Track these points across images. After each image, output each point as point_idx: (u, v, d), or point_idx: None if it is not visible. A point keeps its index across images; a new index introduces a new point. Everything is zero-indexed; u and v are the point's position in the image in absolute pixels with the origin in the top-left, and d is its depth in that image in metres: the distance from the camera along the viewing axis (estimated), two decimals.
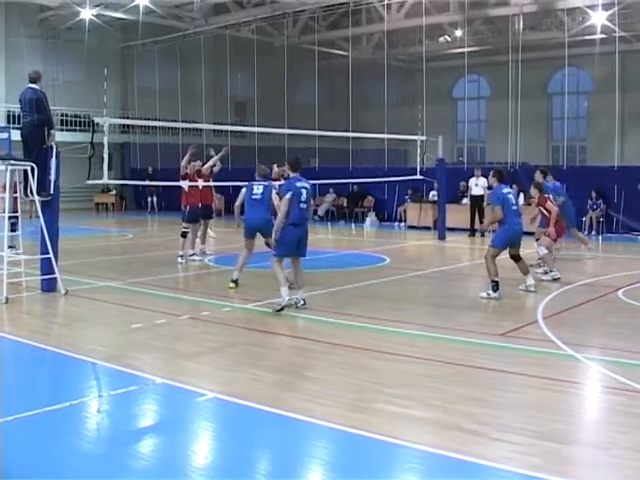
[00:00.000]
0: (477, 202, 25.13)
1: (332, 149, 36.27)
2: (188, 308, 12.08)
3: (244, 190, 13.79)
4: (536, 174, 16.54)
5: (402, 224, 29.62)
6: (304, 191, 11.84)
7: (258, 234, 13.88)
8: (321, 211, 31.95)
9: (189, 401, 7.40)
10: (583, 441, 6.58)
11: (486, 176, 24.66)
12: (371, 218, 30.99)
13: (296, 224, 11.76)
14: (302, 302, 11.98)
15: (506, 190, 13.54)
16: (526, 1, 31.33)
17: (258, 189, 13.79)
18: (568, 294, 13.68)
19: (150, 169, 36.06)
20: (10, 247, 15.42)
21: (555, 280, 14.85)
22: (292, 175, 12.10)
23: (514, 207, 13.37)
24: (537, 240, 15.96)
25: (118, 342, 9.94)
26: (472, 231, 25.02)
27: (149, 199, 37.84)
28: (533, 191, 15.53)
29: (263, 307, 12.12)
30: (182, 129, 37.57)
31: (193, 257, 18.26)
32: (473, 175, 25.81)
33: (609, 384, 7.97)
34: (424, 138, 24.15)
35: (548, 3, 32.35)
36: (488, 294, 13.12)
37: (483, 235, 23.74)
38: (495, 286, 13.13)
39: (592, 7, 31.04)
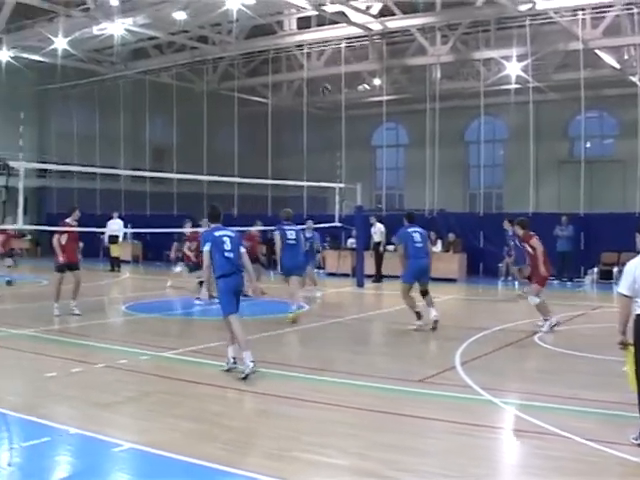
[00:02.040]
0: (377, 248, 25.79)
1: (252, 196, 36.24)
2: (105, 356, 11.84)
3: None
4: (516, 228, 15.60)
5: (321, 271, 29.68)
6: (227, 239, 10.76)
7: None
8: None
9: (104, 452, 7.23)
10: None
11: (383, 222, 25.34)
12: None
13: (225, 275, 10.61)
14: (251, 366, 10.28)
15: (411, 229, 15.05)
16: (443, 51, 32.04)
17: (292, 234, 16.05)
18: (485, 339, 13.85)
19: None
20: None
21: (553, 326, 14.63)
22: (212, 225, 11.10)
23: (418, 244, 14.83)
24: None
25: (30, 391, 9.69)
26: (377, 277, 25.43)
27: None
28: (518, 229, 15.29)
29: (181, 355, 11.99)
30: (100, 174, 37.15)
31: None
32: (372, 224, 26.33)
33: (526, 428, 8.06)
34: (343, 185, 24.34)
35: (464, 53, 33.14)
36: (418, 325, 14.65)
37: (380, 281, 24.56)
38: (418, 315, 14.71)
39: (507, 58, 31.85)
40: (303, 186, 30.90)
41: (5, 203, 13.82)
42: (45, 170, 38.37)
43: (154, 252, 33.16)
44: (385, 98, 35.51)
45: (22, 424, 8.12)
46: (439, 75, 35.40)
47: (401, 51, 34.81)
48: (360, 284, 23.83)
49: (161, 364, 11.48)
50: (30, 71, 36.81)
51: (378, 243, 25.97)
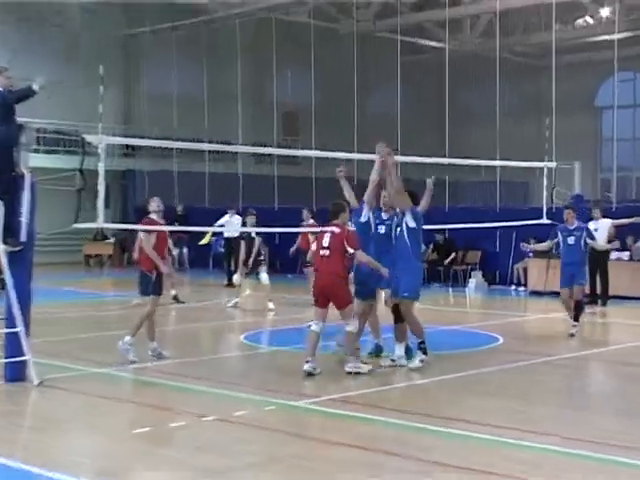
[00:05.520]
0: (598, 257, 24.42)
1: (421, 181, 36.09)
2: (216, 405, 12.04)
3: None
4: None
5: (521, 288, 29.34)
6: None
7: None
8: None
9: None
10: None
11: (613, 218, 24.11)
12: (477, 279, 30.74)
13: None
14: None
15: None
16: None
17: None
18: None
19: (180, 208, 35.61)
20: None
21: None
22: None
23: None
24: None
25: (114, 453, 9.88)
26: (593, 297, 24.64)
27: (175, 251, 35.78)
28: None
29: (320, 405, 12.05)
30: (210, 152, 37.79)
31: None
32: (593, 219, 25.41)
33: None
34: (554, 165, 23.97)
35: None
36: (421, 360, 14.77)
37: (605, 304, 23.54)
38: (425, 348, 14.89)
39: None
40: (495, 167, 30.65)
41: (81, 192, 14.12)
42: (133, 147, 39.38)
43: (285, 260, 33.43)
44: (617, 36, 34.76)
45: None
46: None
47: None
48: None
49: (293, 417, 11.61)
50: (112, 11, 37.82)
51: (599, 250, 24.96)
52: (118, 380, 13.90)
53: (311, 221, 24.48)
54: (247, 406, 11.95)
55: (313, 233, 23.34)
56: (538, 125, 36.73)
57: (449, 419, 11.16)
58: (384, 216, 15.54)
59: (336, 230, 14.29)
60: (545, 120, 30.93)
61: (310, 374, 13.78)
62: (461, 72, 38.45)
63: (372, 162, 18.41)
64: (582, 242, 19.64)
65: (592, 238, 20.53)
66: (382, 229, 15.49)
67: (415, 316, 14.90)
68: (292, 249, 25.66)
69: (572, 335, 19.02)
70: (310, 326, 17.73)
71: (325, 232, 14.49)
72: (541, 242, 28.25)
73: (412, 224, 14.87)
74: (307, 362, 13.90)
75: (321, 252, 14.36)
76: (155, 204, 16.01)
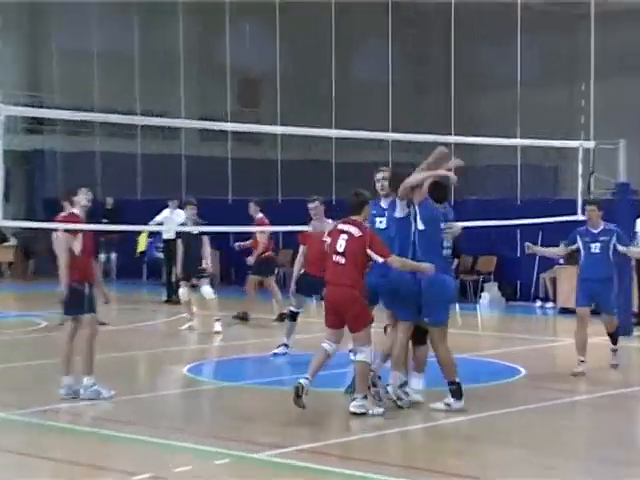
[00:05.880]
0: None
1: (412, 165, 35.99)
2: (152, 459, 12.04)
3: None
4: None
5: (548, 305, 29.34)
6: None
7: None
8: None
9: None
10: None
11: None
12: (491, 293, 30.77)
13: None
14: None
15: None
16: None
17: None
18: None
19: (110, 201, 35.32)
20: None
21: None
22: None
23: None
24: None
25: None
26: None
27: (102, 256, 34.21)
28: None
29: (287, 458, 12.05)
30: (142, 128, 37.62)
31: None
32: None
33: None
34: (592, 144, 24.06)
35: None
36: (447, 404, 14.60)
37: None
38: (457, 390, 14.68)
39: None
40: (515, 147, 30.73)
41: None
42: (41, 120, 39.13)
43: (240, 267, 33.23)
44: None
45: None
46: None
47: None
48: (625, 330, 23.26)
49: (252, 473, 11.58)
50: None
51: None
52: (22, 428, 13.86)
53: (260, 215, 24.67)
54: (192, 459, 11.98)
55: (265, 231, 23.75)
56: (571, 93, 36.81)
57: (447, 474, 11.21)
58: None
59: (355, 232, 14.19)
60: (580, 86, 31.05)
61: (299, 390, 13.70)
62: (471, 26, 38.43)
63: (354, 141, 18.43)
64: (610, 251, 18.61)
65: (624, 244, 18.92)
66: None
67: (446, 348, 14.73)
68: (239, 243, 25.88)
69: (614, 366, 18.89)
70: (276, 354, 18.00)
71: (342, 232, 14.36)
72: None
73: (421, 226, 14.73)
74: (306, 378, 13.91)
75: (334, 258, 14.28)
76: (84, 196, 16.04)
